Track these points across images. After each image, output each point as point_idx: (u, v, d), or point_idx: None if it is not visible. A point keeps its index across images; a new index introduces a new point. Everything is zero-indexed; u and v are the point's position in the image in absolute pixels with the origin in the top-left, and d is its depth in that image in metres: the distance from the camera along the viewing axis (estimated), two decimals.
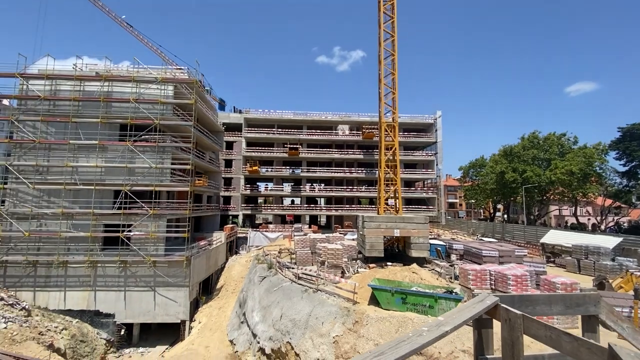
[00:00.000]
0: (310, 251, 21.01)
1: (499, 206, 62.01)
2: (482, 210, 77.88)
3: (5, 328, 12.55)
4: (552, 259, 24.95)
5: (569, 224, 58.60)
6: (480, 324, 2.86)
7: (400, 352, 1.81)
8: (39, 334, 13.53)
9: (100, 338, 19.34)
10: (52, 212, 22.23)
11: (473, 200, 60.75)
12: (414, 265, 16.39)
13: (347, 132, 46.35)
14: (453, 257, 21.02)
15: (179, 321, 21.78)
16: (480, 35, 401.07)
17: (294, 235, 28.56)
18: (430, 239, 29.79)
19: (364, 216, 20.18)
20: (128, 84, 24.07)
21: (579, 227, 46.95)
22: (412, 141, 45.55)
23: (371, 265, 18.08)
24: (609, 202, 48.05)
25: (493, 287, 13.59)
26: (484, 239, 32.05)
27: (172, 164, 24.24)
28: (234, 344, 18.06)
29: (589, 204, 55.05)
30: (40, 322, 15.53)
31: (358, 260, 19.69)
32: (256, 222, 50.16)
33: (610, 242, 22.89)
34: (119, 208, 22.53)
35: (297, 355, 12.84)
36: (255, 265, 22.08)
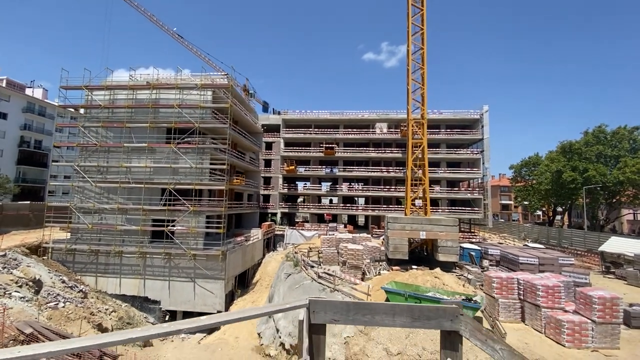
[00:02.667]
0: (335, 251, 21.05)
1: (559, 209, 55.83)
2: (540, 213, 70.90)
3: (63, 307, 14.79)
4: (612, 270, 22.07)
5: None
6: (312, 330, 2.77)
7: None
8: (91, 314, 15.61)
9: (147, 322, 21.50)
10: (110, 207, 25.23)
11: (526, 202, 55.55)
12: (437, 269, 15.64)
13: (385, 130, 45.20)
14: (486, 262, 19.56)
15: (215, 311, 23.24)
16: (533, 11, 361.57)
17: (327, 234, 28.83)
18: (473, 242, 28.09)
19: (388, 217, 19.65)
20: (172, 91, 26.34)
21: None
22: (455, 138, 42.96)
23: (394, 267, 17.62)
24: None
25: (522, 297, 12.45)
26: (529, 244, 29.25)
27: (211, 164, 25.97)
28: (261, 337, 18.86)
29: None
30: (94, 304, 17.85)
31: (382, 262, 19.32)
32: (295, 220, 51.38)
33: None
34: (165, 205, 24.79)
35: None
36: (284, 262, 22.77)
